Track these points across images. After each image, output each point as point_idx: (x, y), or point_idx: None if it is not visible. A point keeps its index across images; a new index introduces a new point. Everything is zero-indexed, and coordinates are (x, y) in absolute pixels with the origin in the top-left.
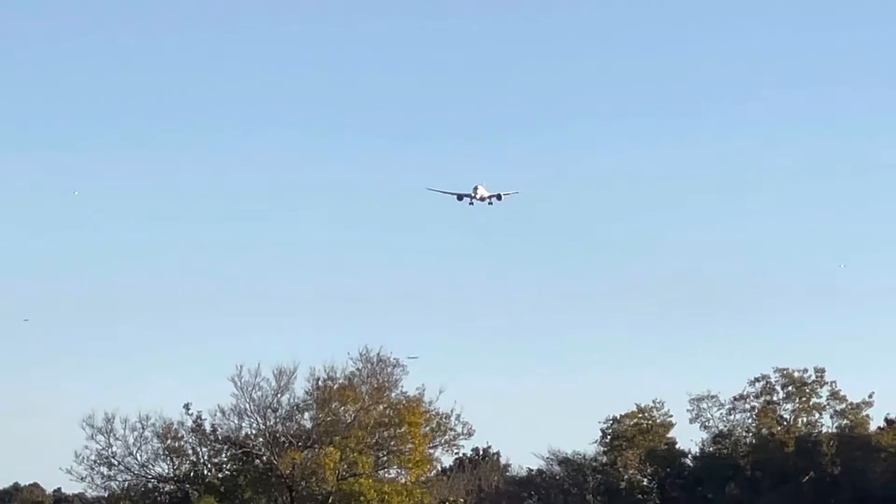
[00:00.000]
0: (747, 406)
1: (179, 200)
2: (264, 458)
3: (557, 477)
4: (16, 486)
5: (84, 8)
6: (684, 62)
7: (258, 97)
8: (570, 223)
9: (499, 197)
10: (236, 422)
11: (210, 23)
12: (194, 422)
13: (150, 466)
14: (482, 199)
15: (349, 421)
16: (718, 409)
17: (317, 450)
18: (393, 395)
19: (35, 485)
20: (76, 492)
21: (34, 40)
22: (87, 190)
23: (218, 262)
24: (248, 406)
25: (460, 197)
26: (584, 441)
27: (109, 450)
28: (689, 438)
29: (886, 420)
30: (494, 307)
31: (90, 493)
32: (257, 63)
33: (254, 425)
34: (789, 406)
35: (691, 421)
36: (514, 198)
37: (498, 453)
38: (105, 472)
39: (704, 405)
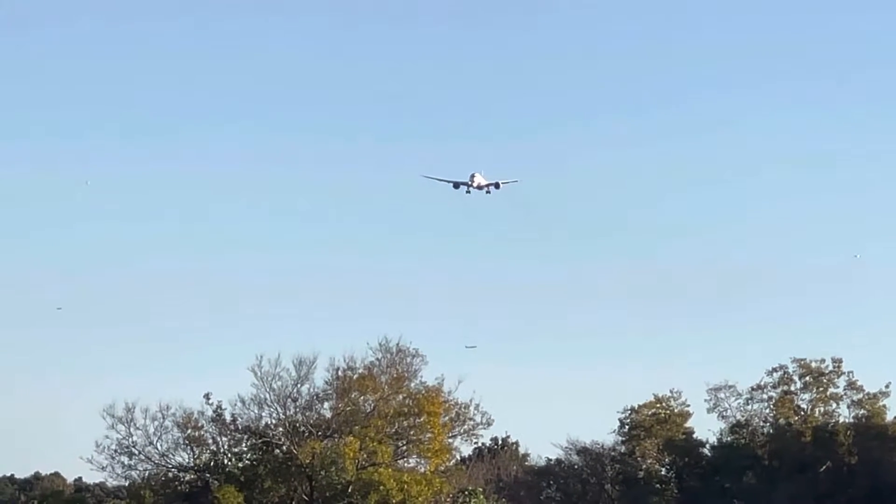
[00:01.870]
0: (765, 396)
1: (199, 197)
2: (284, 447)
3: (576, 466)
4: (37, 476)
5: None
6: (688, 53)
7: (266, 96)
8: (580, 213)
9: (497, 185)
10: (256, 411)
11: (214, 21)
12: (214, 411)
13: (171, 456)
14: (479, 187)
15: (369, 411)
16: (736, 399)
17: (336, 439)
18: (412, 384)
19: (56, 474)
20: (97, 481)
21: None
22: (108, 187)
23: (237, 255)
24: (268, 396)
25: (456, 185)
26: (602, 431)
27: (130, 439)
28: (706, 428)
29: None
30: (513, 297)
31: (111, 483)
32: (262, 60)
33: (274, 415)
34: (807, 396)
35: (709, 411)
36: (513, 186)
37: (517, 443)
38: (125, 462)
39: (722, 395)
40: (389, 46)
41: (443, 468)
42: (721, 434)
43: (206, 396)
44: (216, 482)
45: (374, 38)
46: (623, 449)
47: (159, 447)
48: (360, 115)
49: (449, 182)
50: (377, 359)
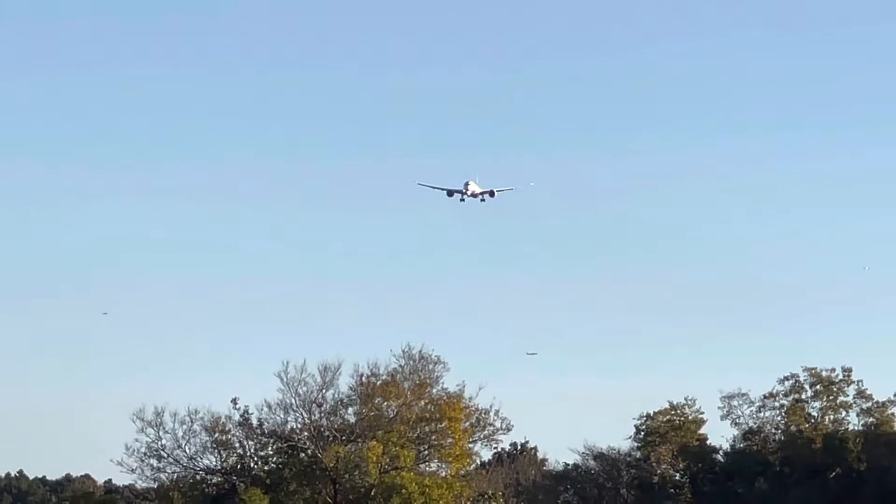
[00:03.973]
0: (776, 404)
1: (226, 211)
2: (309, 451)
3: (592, 471)
4: (68, 478)
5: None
6: (693, 59)
7: (282, 109)
8: (595, 223)
9: (492, 193)
10: (282, 416)
11: (218, 27)
12: (241, 416)
13: (199, 459)
14: (474, 195)
15: (392, 416)
16: (749, 407)
17: (360, 443)
18: (434, 391)
19: (86, 476)
20: (126, 483)
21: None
22: (141, 197)
23: (265, 265)
24: (293, 401)
25: (451, 192)
26: (618, 437)
27: (159, 443)
28: (720, 435)
29: None
30: (530, 305)
31: (140, 485)
32: (266, 73)
33: (299, 420)
34: (817, 404)
35: (722, 418)
36: (508, 194)
37: (535, 448)
38: (154, 465)
39: (735, 403)
40: (391, 50)
41: (463, 472)
42: (734, 441)
43: (234, 401)
44: (242, 485)
45: (375, 44)
46: (638, 454)
47: (187, 450)
48: (366, 127)
49: (443, 189)
50: (400, 365)
